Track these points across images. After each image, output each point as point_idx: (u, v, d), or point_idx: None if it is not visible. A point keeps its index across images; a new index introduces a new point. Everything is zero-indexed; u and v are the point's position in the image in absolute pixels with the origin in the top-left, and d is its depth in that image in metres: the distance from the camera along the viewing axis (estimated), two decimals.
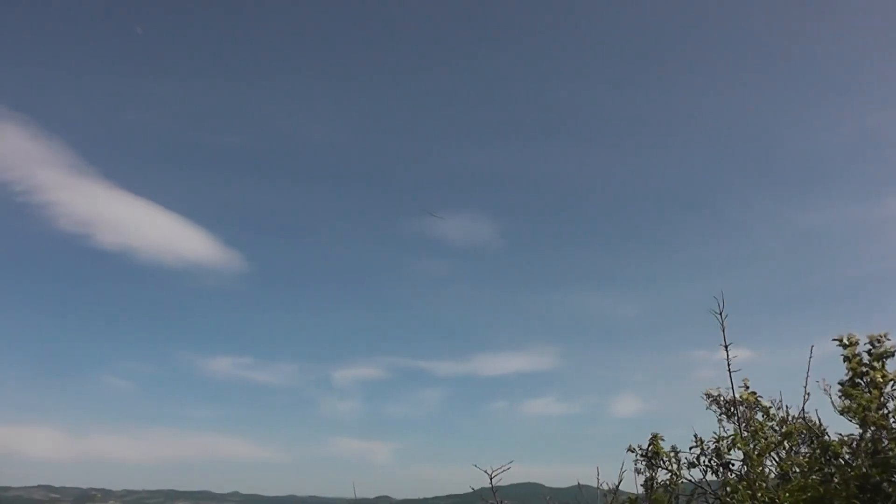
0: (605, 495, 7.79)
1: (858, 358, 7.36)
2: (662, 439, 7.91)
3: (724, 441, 6.87)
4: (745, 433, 7.15)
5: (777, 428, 7.55)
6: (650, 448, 7.87)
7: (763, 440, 6.84)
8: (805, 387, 7.58)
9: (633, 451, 7.92)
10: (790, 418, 7.70)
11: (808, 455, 7.21)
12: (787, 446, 7.33)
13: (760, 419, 7.58)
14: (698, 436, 7.13)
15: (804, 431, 7.41)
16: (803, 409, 7.61)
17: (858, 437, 7.02)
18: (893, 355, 7.18)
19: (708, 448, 7.06)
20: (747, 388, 7.95)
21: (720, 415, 7.70)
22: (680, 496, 7.45)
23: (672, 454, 7.71)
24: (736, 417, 7.43)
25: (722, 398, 7.64)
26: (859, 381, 7.24)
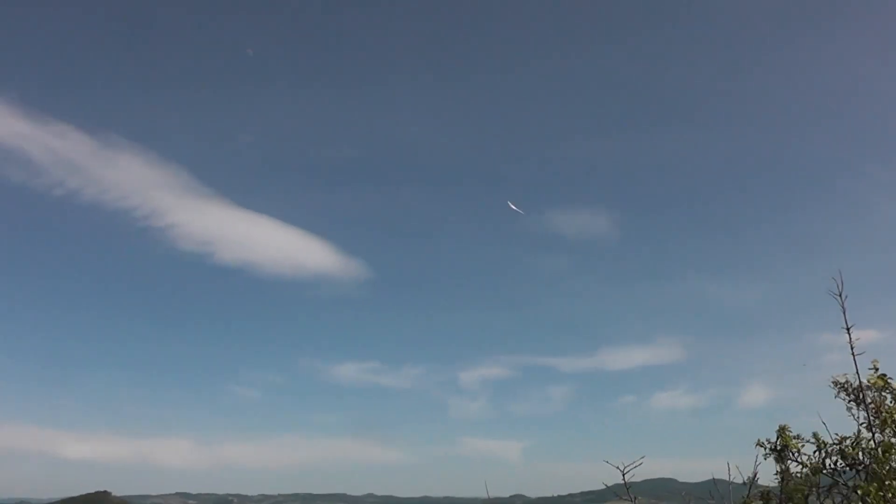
0: (738, 490, 8.05)
1: None
2: (790, 431, 8.05)
3: (848, 441, 6.94)
4: (875, 422, 7.17)
5: None
6: (778, 441, 8.04)
7: (892, 432, 6.84)
8: None
9: (762, 446, 8.12)
10: None
11: None
12: None
13: (890, 404, 7.54)
14: (819, 437, 7.22)
15: None
16: None
17: None
18: None
19: (833, 450, 7.15)
20: (876, 370, 7.91)
21: (849, 402, 7.72)
22: (816, 489, 7.59)
23: (801, 446, 7.84)
24: (864, 404, 7.44)
25: (850, 385, 7.65)
26: None
